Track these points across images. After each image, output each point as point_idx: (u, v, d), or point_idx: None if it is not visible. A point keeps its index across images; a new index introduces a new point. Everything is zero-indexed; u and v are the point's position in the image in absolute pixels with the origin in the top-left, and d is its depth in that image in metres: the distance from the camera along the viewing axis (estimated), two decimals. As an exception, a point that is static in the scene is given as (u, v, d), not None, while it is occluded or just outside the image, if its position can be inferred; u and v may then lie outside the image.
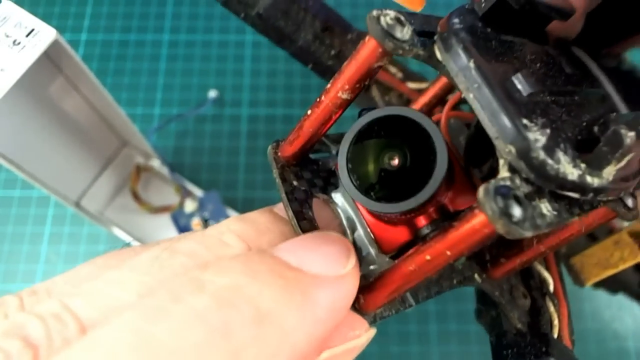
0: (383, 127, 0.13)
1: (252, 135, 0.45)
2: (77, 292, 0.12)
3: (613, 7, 0.16)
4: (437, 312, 0.39)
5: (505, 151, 0.10)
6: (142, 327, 0.10)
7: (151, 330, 0.10)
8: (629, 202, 0.13)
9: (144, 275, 0.12)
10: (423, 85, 0.22)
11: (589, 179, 0.11)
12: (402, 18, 0.12)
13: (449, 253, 0.11)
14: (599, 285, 0.24)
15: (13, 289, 0.40)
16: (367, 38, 0.12)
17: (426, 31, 0.12)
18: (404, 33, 0.11)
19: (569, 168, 0.11)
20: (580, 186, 0.11)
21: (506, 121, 0.10)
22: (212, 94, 0.46)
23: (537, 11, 0.13)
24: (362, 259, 0.14)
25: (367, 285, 0.13)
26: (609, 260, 0.21)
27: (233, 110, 0.47)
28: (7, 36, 0.25)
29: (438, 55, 0.12)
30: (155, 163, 0.41)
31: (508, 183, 0.10)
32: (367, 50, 0.12)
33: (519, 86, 0.11)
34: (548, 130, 0.11)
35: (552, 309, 0.18)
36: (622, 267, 0.21)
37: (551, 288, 0.18)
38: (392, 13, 0.11)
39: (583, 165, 0.11)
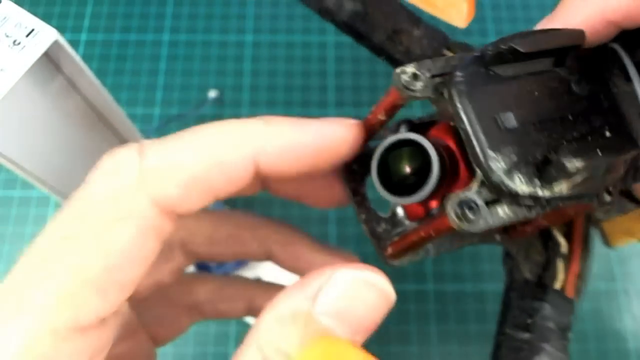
0: (401, 143, 0.18)
1: (252, 135, 0.45)
2: None
3: None
4: (436, 312, 0.39)
5: (477, 172, 0.15)
6: None
7: None
8: (606, 197, 0.16)
9: None
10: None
11: (540, 192, 0.15)
12: (418, 73, 0.16)
13: (433, 234, 0.16)
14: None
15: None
16: (391, 88, 0.17)
17: (443, 73, 0.16)
18: (418, 86, 0.16)
19: (521, 186, 0.15)
20: (532, 197, 0.15)
21: (477, 152, 0.15)
22: (212, 94, 0.46)
23: (543, 53, 0.16)
24: (397, 221, 0.20)
25: (396, 241, 0.18)
26: (633, 230, 0.24)
27: (233, 110, 0.47)
28: (7, 36, 0.25)
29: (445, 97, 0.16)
30: (155, 163, 0.41)
31: (471, 195, 0.15)
32: (392, 95, 0.17)
33: (505, 121, 0.15)
34: (514, 157, 0.15)
35: (559, 266, 0.22)
36: (642, 239, 0.25)
37: (563, 249, 0.22)
38: (409, 71, 0.16)
39: (537, 182, 0.15)
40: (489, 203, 0.15)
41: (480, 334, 0.39)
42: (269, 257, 0.20)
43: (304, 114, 0.46)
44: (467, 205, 0.15)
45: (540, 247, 0.22)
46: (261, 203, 0.43)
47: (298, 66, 0.49)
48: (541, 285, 0.22)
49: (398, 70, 0.16)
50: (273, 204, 0.43)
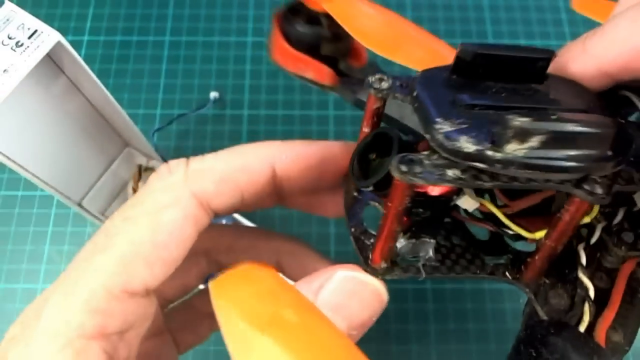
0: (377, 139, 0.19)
1: (252, 135, 0.46)
2: None
3: None
4: (435, 311, 0.40)
5: (426, 137, 0.16)
6: None
7: None
8: (596, 188, 0.16)
9: None
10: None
11: (489, 152, 0.15)
12: (385, 77, 0.18)
13: (393, 205, 0.16)
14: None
15: (16, 289, 0.40)
16: (368, 95, 0.19)
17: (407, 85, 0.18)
18: (384, 85, 0.18)
19: (465, 144, 0.15)
20: (479, 157, 0.15)
21: (424, 116, 0.16)
22: (213, 94, 0.47)
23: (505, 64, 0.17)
24: None
25: (374, 244, 0.19)
26: None
27: (234, 110, 0.47)
28: (10, 38, 0.25)
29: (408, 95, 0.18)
30: (157, 163, 0.41)
31: (419, 155, 0.15)
32: (370, 101, 0.19)
33: (460, 100, 0.16)
34: (464, 125, 0.15)
35: (585, 310, 0.19)
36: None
37: (590, 293, 0.19)
38: (377, 76, 0.18)
39: (487, 144, 0.15)
40: (438, 165, 0.15)
41: (479, 333, 0.39)
42: (279, 266, 0.23)
43: (304, 115, 0.47)
44: (413, 161, 0.15)
45: (562, 291, 0.20)
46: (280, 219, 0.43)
47: (298, 67, 0.49)
48: (561, 324, 0.19)
49: (370, 79, 0.18)
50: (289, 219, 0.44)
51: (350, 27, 0.23)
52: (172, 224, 0.17)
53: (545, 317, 0.19)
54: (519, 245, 0.21)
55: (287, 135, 0.46)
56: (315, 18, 0.25)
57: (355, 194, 0.21)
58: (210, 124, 0.46)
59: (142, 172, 0.41)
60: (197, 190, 0.18)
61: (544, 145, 0.15)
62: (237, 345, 0.15)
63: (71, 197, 0.37)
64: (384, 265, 0.18)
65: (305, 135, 0.46)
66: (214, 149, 0.46)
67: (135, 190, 0.41)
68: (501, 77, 0.17)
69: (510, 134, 0.15)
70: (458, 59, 0.17)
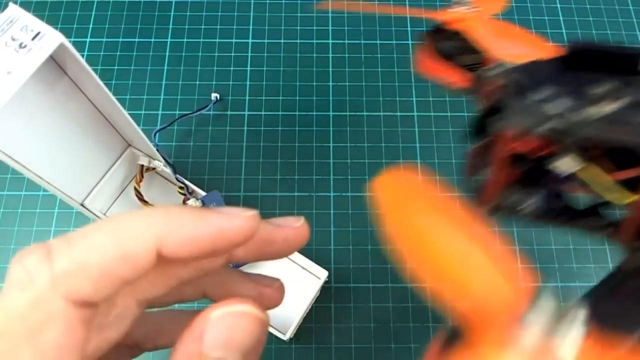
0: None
1: (253, 136, 0.46)
2: None
3: None
4: (435, 309, 0.40)
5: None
6: None
7: None
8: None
9: None
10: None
11: (571, 104, 0.19)
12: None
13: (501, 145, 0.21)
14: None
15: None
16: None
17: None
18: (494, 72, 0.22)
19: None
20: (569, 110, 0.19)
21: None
22: (215, 95, 0.47)
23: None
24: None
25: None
26: None
27: (235, 111, 0.47)
28: (14, 39, 0.25)
29: None
30: (159, 164, 0.41)
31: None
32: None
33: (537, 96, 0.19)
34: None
35: None
36: None
37: None
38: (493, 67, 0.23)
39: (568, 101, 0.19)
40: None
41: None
42: (204, 296, 0.22)
43: (305, 115, 0.47)
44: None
45: None
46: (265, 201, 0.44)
47: (298, 68, 0.49)
48: None
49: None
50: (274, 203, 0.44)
51: (481, 42, 0.28)
52: (56, 339, 0.15)
53: None
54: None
55: (287, 135, 0.46)
56: (455, 35, 0.30)
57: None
58: (211, 125, 0.47)
59: (144, 172, 0.42)
60: (72, 296, 0.15)
61: (616, 119, 0.17)
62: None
63: (74, 197, 0.37)
64: (491, 206, 0.22)
65: (305, 135, 0.46)
66: (214, 149, 0.47)
67: (137, 190, 0.41)
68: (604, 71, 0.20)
69: (590, 102, 0.18)
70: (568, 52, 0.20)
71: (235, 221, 0.17)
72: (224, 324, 0.16)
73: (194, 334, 0.16)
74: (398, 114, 0.47)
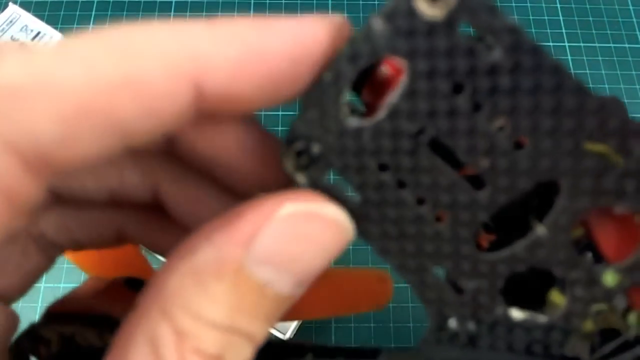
0: None
1: (253, 136, 0.46)
2: None
3: None
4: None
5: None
6: None
7: None
8: None
9: None
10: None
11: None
12: None
13: None
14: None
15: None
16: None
17: None
18: None
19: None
20: None
21: None
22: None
23: None
24: None
25: None
26: None
27: (235, 111, 0.47)
28: (14, 39, 0.25)
29: None
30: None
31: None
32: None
33: None
34: None
35: None
36: None
37: None
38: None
39: None
40: None
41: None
42: (155, 199, 0.14)
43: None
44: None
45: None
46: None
47: (299, 68, 0.49)
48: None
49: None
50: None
51: None
52: None
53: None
54: None
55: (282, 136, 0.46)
56: None
57: None
58: (211, 125, 0.47)
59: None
60: (17, 141, 0.08)
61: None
62: None
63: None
64: None
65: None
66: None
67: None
68: None
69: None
70: None
71: (319, 25, 0.11)
72: (294, 229, 0.10)
73: (237, 234, 0.10)
74: (398, 114, 0.47)
